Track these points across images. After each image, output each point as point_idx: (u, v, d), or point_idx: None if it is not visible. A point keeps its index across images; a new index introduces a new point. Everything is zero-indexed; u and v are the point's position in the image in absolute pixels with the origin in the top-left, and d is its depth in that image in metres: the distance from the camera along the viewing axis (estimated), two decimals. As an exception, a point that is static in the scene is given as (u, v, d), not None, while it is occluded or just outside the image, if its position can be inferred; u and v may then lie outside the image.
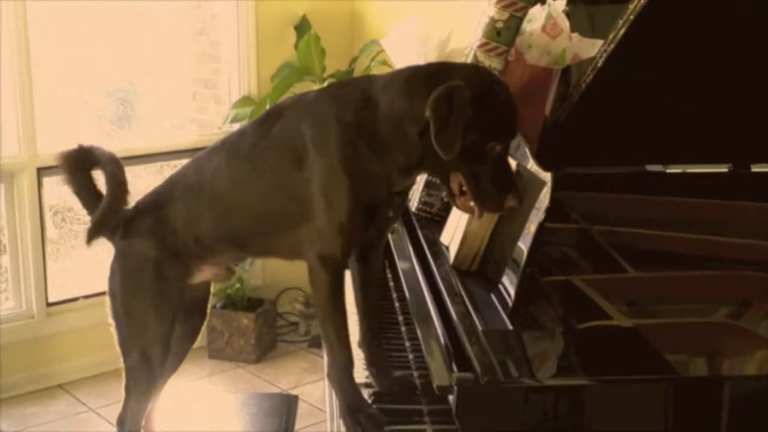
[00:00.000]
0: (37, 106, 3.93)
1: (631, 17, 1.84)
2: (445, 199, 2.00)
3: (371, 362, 1.81)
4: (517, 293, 1.58)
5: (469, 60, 2.08)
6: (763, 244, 1.88)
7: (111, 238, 1.94)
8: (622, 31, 1.87)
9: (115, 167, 1.91)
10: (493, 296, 1.66)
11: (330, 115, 1.67)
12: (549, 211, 1.57)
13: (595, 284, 1.77)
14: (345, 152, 1.64)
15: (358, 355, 1.80)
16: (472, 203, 1.63)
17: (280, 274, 4.49)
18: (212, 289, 2.08)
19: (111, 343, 1.95)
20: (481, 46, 2.07)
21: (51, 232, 4.24)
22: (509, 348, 1.55)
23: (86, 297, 4.14)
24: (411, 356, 1.91)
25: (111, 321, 1.95)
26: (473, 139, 1.56)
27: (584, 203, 1.92)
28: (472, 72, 1.66)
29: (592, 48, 2.12)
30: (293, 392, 3.87)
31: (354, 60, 4.49)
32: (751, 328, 1.70)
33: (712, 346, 1.62)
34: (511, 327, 1.56)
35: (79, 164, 1.95)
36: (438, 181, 1.83)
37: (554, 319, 1.66)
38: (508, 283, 1.64)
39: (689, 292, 1.83)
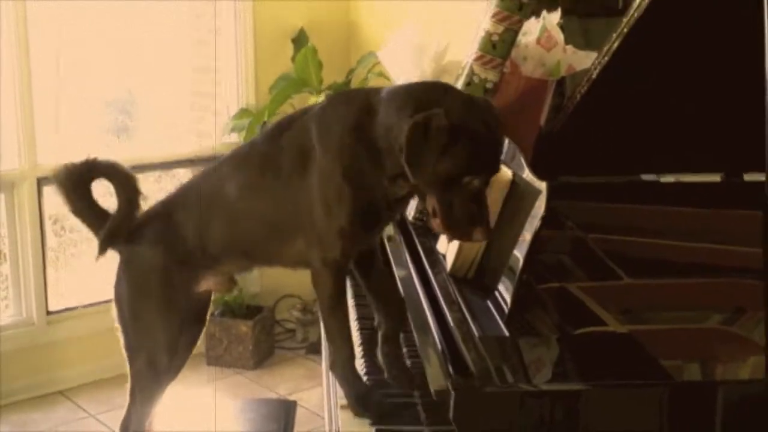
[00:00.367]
0: (37, 116, 3.95)
1: (625, 30, 1.86)
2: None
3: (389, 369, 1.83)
4: (513, 300, 1.60)
5: (465, 72, 2.10)
6: (757, 252, 1.90)
7: (116, 246, 1.96)
8: (616, 44, 1.89)
9: (125, 175, 1.93)
10: (489, 303, 1.67)
11: (335, 120, 1.70)
12: (544, 220, 1.58)
13: (591, 291, 1.78)
14: (346, 156, 1.66)
15: (358, 354, 1.82)
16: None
17: (277, 281, 4.50)
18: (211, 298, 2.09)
19: (111, 351, 1.97)
20: (477, 59, 2.09)
21: (51, 241, 4.25)
22: (505, 354, 1.56)
23: (86, 305, 4.16)
24: (409, 363, 1.92)
25: (117, 326, 1.96)
26: (448, 169, 1.55)
27: (579, 212, 1.93)
28: (464, 102, 1.63)
29: (586, 60, 2.15)
30: (291, 398, 3.88)
31: (351, 72, 4.51)
32: (744, 335, 1.71)
33: (706, 352, 1.63)
34: (507, 334, 1.58)
35: (82, 179, 1.97)
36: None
37: (550, 326, 1.68)
38: (505, 291, 1.65)
39: (684, 299, 1.84)
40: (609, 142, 2.01)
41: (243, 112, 4.42)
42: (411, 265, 1.99)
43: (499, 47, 2.07)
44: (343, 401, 1.73)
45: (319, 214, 1.68)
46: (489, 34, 2.06)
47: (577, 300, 1.76)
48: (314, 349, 4.46)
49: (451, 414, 1.39)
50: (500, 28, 2.05)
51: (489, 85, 2.09)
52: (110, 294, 1.98)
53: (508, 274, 1.66)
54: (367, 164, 1.66)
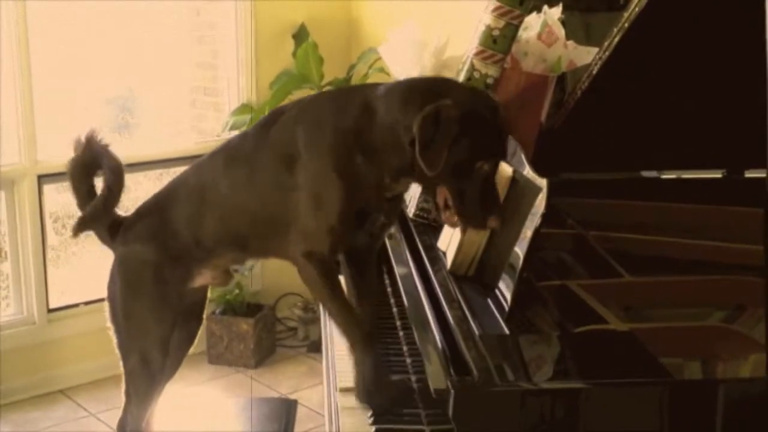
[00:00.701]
0: (38, 113, 3.95)
1: (626, 25, 1.86)
2: (438, 209, 2.02)
3: None
4: (514, 298, 1.60)
5: (466, 67, 2.10)
6: (758, 249, 1.89)
7: (111, 244, 1.96)
8: (617, 39, 1.88)
9: (114, 162, 1.94)
10: (489, 301, 1.67)
11: (327, 121, 1.70)
12: (545, 217, 1.58)
13: (591, 289, 1.78)
14: (338, 157, 1.66)
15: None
16: (456, 218, 1.65)
17: (279, 279, 4.50)
18: (212, 295, 2.09)
19: (111, 349, 1.97)
20: (477, 53, 2.08)
21: (51, 238, 4.25)
22: (506, 352, 1.56)
23: (87, 303, 4.15)
24: (409, 360, 1.92)
25: (110, 325, 1.96)
26: (460, 157, 1.58)
27: (580, 209, 1.92)
28: (468, 92, 1.68)
29: (587, 55, 2.14)
30: (292, 396, 3.88)
31: (352, 67, 4.50)
32: (745, 332, 1.71)
33: (706, 350, 1.62)
34: (507, 331, 1.57)
35: (86, 169, 1.97)
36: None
37: (550, 324, 1.67)
38: (505, 288, 1.65)
39: (684, 297, 1.83)
40: (610, 139, 2.01)
41: (244, 108, 4.42)
42: (411, 263, 1.98)
43: (499, 42, 2.06)
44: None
45: (308, 211, 1.69)
46: (490, 29, 2.06)
47: (577, 298, 1.75)
48: (315, 348, 4.46)
49: (450, 413, 1.38)
50: (501, 23, 2.05)
51: (490, 81, 2.08)
52: (111, 293, 1.98)
53: (508, 272, 1.65)
54: (363, 164, 1.66)
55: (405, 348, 1.98)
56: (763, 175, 1.72)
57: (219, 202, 1.84)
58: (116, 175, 1.94)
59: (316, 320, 4.33)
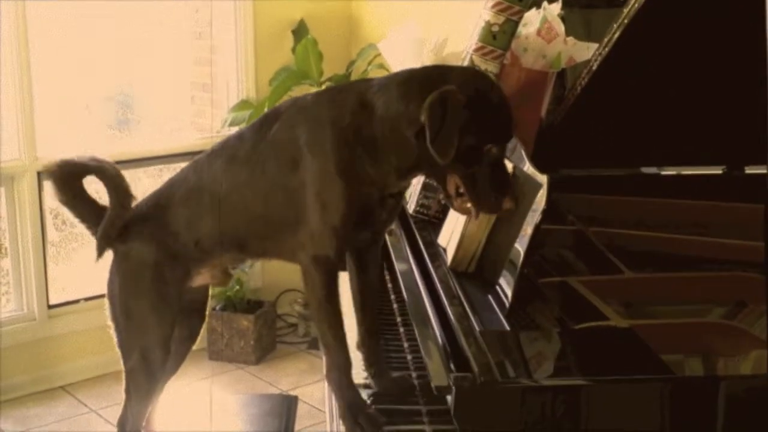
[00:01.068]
0: (38, 109, 3.95)
1: (626, 21, 1.85)
2: (443, 202, 2.02)
3: (370, 363, 1.82)
4: (514, 294, 1.60)
5: (466, 64, 2.10)
6: (758, 246, 1.89)
7: (110, 243, 1.95)
8: (616, 35, 1.88)
9: (115, 174, 1.92)
10: (490, 297, 1.67)
11: (325, 119, 1.68)
12: (545, 213, 1.58)
13: (592, 285, 1.78)
14: (340, 156, 1.65)
15: (358, 357, 1.81)
16: (468, 205, 1.64)
17: (279, 276, 4.50)
18: (212, 292, 2.09)
19: (112, 345, 1.96)
20: (477, 49, 2.08)
21: (52, 234, 4.24)
22: (506, 349, 1.56)
23: (87, 299, 4.15)
24: (409, 357, 1.92)
25: (110, 324, 1.96)
26: (469, 142, 1.57)
27: (580, 205, 1.93)
28: (468, 75, 1.67)
29: (586, 51, 2.14)
30: (293, 393, 3.88)
31: (351, 64, 4.50)
32: (746, 329, 1.71)
33: (707, 346, 1.63)
34: (508, 328, 1.58)
35: (72, 175, 1.95)
36: (435, 184, 1.85)
37: (551, 320, 1.68)
38: (505, 285, 1.65)
39: (685, 293, 1.83)
40: (610, 135, 2.01)
41: (243, 104, 4.42)
42: (411, 259, 1.98)
43: (499, 38, 2.06)
44: None
45: (313, 213, 1.67)
46: (489, 25, 2.05)
47: (578, 294, 1.75)
48: (316, 344, 4.45)
49: (451, 410, 1.38)
50: (501, 19, 2.04)
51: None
52: (112, 289, 1.97)
53: (509, 268, 1.65)
54: (365, 162, 1.65)
55: (406, 344, 1.98)
56: (764, 171, 1.72)
57: (218, 203, 1.84)
58: (122, 187, 1.92)
59: (316, 316, 4.33)
